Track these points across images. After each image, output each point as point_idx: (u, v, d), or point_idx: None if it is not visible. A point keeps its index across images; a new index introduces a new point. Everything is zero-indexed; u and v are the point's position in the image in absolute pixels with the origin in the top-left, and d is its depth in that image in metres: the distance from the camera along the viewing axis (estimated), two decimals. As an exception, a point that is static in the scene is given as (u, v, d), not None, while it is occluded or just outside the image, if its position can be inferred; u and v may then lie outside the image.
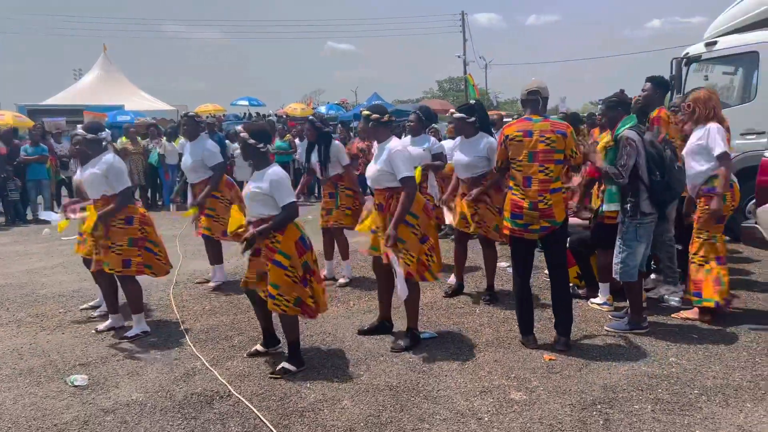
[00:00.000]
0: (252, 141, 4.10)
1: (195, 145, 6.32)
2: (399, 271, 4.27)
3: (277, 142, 13.19)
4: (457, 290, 5.89)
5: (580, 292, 5.73)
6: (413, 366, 4.20)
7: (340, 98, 44.11)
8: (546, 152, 4.30)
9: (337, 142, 6.44)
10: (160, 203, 13.59)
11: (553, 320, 4.52)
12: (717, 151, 4.67)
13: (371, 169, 4.50)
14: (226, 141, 12.91)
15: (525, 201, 4.34)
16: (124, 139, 12.96)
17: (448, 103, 24.14)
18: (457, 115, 5.49)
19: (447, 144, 7.02)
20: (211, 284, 6.47)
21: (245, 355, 4.47)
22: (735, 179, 4.85)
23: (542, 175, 4.31)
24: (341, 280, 6.45)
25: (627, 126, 4.58)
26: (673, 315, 5.05)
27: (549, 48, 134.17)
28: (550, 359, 4.23)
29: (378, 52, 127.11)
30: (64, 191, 12.97)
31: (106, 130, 5.18)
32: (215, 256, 6.56)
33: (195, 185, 6.37)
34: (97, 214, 4.82)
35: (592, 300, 5.48)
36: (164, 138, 12.93)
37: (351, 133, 14.66)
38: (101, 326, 5.18)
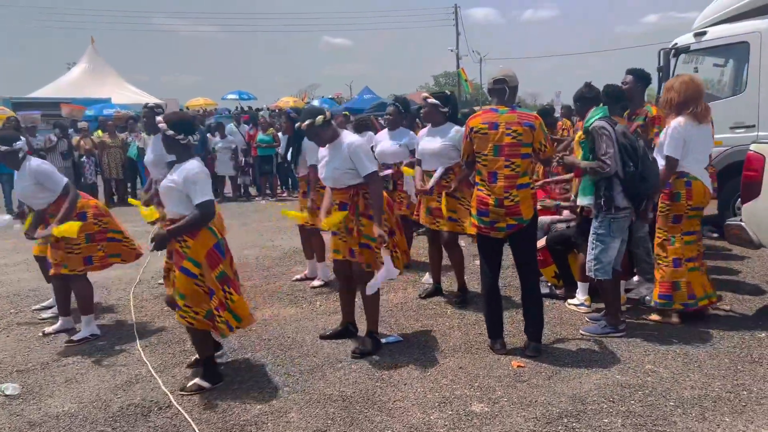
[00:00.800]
0: (170, 132, 3.69)
1: (157, 138, 5.99)
2: (385, 257, 4.06)
3: (260, 135, 12.89)
4: (433, 292, 5.56)
5: (558, 292, 5.46)
6: (372, 374, 3.92)
7: (335, 92, 43.91)
8: (512, 146, 4.01)
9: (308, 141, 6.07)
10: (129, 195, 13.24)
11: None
12: (664, 151, 4.48)
13: (327, 170, 4.19)
14: (208, 135, 12.62)
15: (490, 197, 4.06)
16: (100, 132, 12.65)
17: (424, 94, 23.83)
18: (432, 100, 5.18)
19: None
20: (315, 282, 6.13)
21: (185, 366, 4.13)
22: (699, 177, 4.54)
23: (508, 171, 4.03)
24: (315, 282, 6.09)
25: (597, 117, 4.34)
26: (646, 317, 4.79)
27: (545, 43, 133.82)
28: (518, 366, 3.96)
29: (373, 47, 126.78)
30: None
31: (22, 138, 4.76)
32: None
33: (160, 181, 6.02)
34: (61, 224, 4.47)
35: (570, 301, 5.21)
36: (143, 131, 12.59)
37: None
38: (50, 329, 4.89)
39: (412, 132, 6.44)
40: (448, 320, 4.91)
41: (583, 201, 4.66)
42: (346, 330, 4.59)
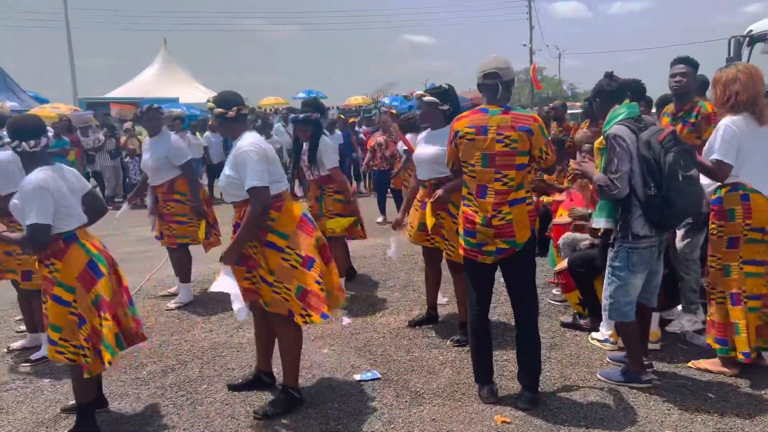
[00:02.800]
0: (7, 140, 3.23)
1: (157, 141, 5.62)
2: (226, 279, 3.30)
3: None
4: (425, 320, 4.84)
5: (582, 322, 4.66)
6: (326, 423, 3.33)
7: (409, 90, 43.43)
8: (504, 155, 3.29)
9: (326, 139, 5.50)
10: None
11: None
12: (713, 155, 3.58)
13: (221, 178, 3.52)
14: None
15: (478, 215, 3.36)
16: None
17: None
18: (428, 98, 4.40)
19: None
20: (172, 305, 5.58)
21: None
22: (759, 190, 3.62)
23: (499, 185, 3.31)
24: None
25: (618, 119, 3.48)
26: (690, 363, 3.91)
27: (636, 36, 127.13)
28: (503, 422, 3.25)
29: (454, 42, 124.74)
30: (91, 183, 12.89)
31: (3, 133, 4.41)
32: (183, 271, 5.76)
33: (156, 187, 5.66)
34: None
35: (593, 335, 4.41)
36: (188, 131, 12.53)
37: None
38: (15, 344, 4.61)
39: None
40: (443, 354, 4.23)
41: (598, 222, 3.86)
42: (258, 379, 3.78)
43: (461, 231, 3.51)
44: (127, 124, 13.02)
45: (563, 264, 4.77)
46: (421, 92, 4.55)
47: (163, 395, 3.75)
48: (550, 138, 7.91)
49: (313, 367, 4.10)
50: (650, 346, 4.06)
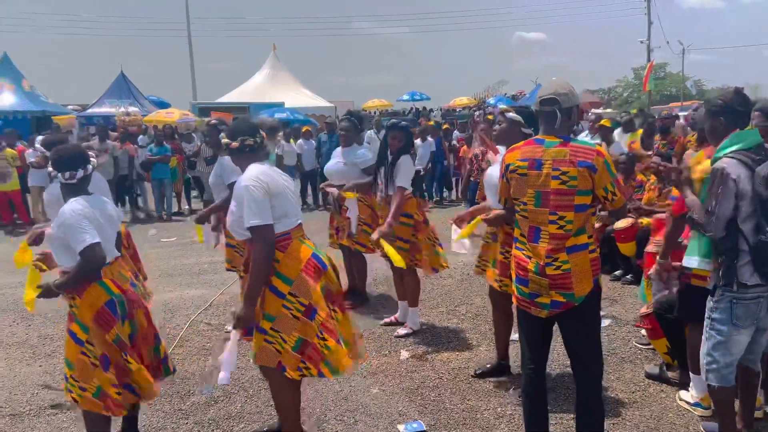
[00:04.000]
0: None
1: (220, 159, 5.59)
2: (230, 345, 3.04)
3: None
4: (495, 371, 4.25)
5: (670, 375, 4.05)
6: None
7: (517, 90, 42.16)
8: (561, 194, 2.84)
9: (408, 157, 5.07)
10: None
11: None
12: None
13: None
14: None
15: (530, 262, 2.92)
16: (247, 139, 12.99)
17: (592, 96, 21.08)
18: (510, 115, 3.88)
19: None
20: (401, 331, 5.13)
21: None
22: None
23: (555, 228, 2.85)
24: (401, 330, 5.09)
25: (731, 148, 2.92)
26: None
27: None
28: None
29: (568, 38, 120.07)
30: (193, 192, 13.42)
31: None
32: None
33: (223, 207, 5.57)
34: None
35: (682, 394, 3.80)
36: (281, 138, 12.70)
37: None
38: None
39: (363, 150, 5.62)
40: (501, 406, 3.79)
41: (690, 261, 3.28)
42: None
43: (513, 276, 3.09)
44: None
45: (648, 307, 4.18)
46: (506, 107, 4.10)
47: (199, 432, 3.63)
48: (653, 153, 7.21)
49: (358, 410, 3.82)
50: (757, 414, 3.42)
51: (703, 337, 3.11)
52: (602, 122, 8.26)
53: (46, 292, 3.12)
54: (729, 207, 2.80)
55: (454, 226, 4.43)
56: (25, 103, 18.85)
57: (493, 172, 3.89)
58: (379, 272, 6.59)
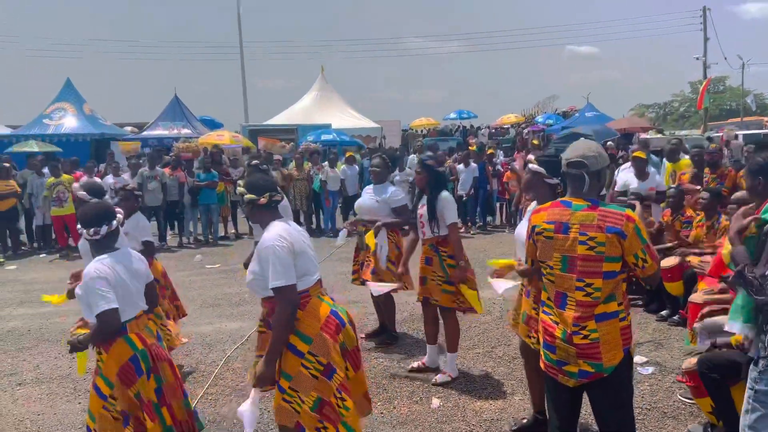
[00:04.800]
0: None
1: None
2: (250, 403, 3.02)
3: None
4: (531, 426, 4.06)
5: (716, 438, 3.83)
6: None
7: (569, 106, 41.37)
8: (589, 260, 2.73)
9: (447, 193, 4.96)
10: (313, 226, 13.47)
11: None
12: None
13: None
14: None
15: (557, 328, 2.82)
16: (293, 165, 13.17)
17: (641, 120, 20.27)
18: (533, 166, 3.76)
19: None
20: (438, 378, 4.93)
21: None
22: None
23: (581, 294, 2.75)
24: (439, 378, 4.90)
25: None
26: None
27: None
28: None
29: (622, 52, 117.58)
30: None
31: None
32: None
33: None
34: None
35: (727, 459, 3.58)
36: (326, 164, 12.83)
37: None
38: None
39: (395, 188, 5.72)
40: (532, 464, 3.68)
41: (732, 326, 3.09)
42: None
43: (540, 340, 2.98)
44: (276, 157, 13.64)
45: (692, 362, 3.97)
46: (531, 158, 3.96)
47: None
48: (702, 188, 6.90)
49: (385, 463, 3.77)
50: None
51: (743, 408, 2.92)
52: (636, 154, 7.67)
53: (74, 346, 3.21)
54: None
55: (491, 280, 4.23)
56: (86, 126, 19.73)
57: (522, 229, 3.75)
58: (407, 310, 6.53)
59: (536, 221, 2.92)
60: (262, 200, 3.14)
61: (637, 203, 3.07)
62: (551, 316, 2.87)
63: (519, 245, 3.85)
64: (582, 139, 3.06)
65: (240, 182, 3.34)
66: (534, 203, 3.80)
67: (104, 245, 3.22)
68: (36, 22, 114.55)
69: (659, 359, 5.24)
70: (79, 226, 3.28)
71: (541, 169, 3.72)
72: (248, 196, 3.17)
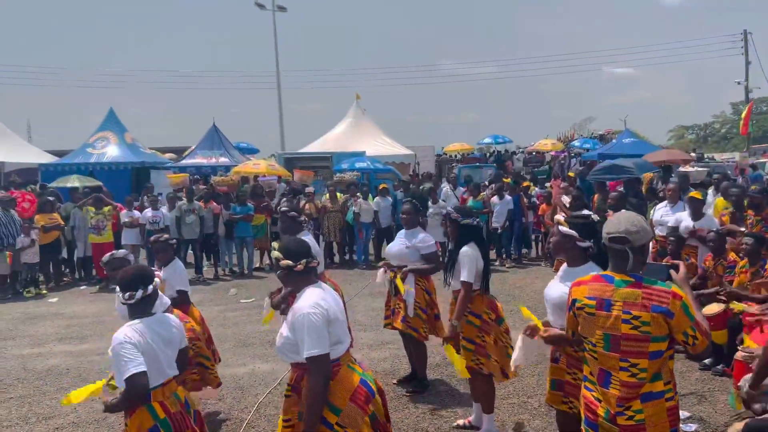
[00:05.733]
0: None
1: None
2: None
3: (470, 201, 12.14)
4: None
5: None
6: None
7: (605, 129, 40.83)
8: (633, 339, 2.66)
9: (469, 249, 4.71)
10: (347, 257, 13.49)
11: None
12: None
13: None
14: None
15: (600, 406, 2.74)
16: (326, 196, 13.27)
17: (680, 152, 19.60)
18: (563, 229, 3.61)
19: None
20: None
21: None
22: None
23: (626, 375, 2.68)
24: None
25: None
26: None
27: None
28: None
29: (658, 73, 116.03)
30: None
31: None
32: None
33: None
34: None
35: None
36: (360, 195, 12.89)
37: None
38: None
39: (425, 234, 5.66)
40: None
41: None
42: None
43: (582, 415, 2.90)
44: (309, 189, 13.77)
45: (738, 427, 3.82)
46: (561, 218, 3.75)
47: None
48: (744, 232, 6.63)
49: None
50: None
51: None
52: (692, 194, 7.15)
53: (108, 409, 3.23)
54: None
55: (521, 337, 3.97)
56: (127, 155, 20.23)
57: (553, 289, 3.67)
58: (441, 353, 6.44)
59: (577, 295, 2.86)
60: (299, 267, 3.14)
61: (682, 264, 2.94)
62: (593, 393, 2.79)
63: (548, 306, 3.74)
64: (623, 211, 2.99)
65: (275, 245, 3.35)
66: (565, 264, 3.71)
67: (140, 309, 3.25)
68: (80, 52, 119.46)
69: (702, 414, 5.06)
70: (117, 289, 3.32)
71: (573, 232, 3.59)
72: (284, 262, 3.17)
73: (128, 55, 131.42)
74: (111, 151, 20.22)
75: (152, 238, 5.39)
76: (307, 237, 5.02)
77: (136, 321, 3.20)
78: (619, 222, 2.81)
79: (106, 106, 22.20)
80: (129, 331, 3.13)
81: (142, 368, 3.04)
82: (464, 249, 4.74)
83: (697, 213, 7.05)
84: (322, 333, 2.94)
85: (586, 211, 5.05)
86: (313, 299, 3.03)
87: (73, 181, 14.25)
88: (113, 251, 5.00)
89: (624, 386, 2.68)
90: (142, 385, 3.04)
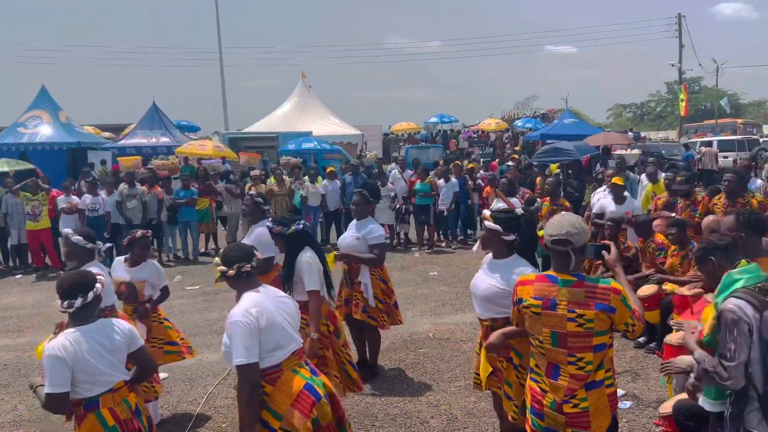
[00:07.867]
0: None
1: (256, 233, 5.70)
2: None
3: (418, 184, 12.26)
4: None
5: (691, 484, 3.91)
6: None
7: (548, 108, 41.67)
8: (579, 336, 2.81)
9: (303, 255, 4.51)
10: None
11: None
12: None
13: None
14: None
15: (546, 397, 2.89)
16: (272, 179, 13.13)
17: (619, 136, 20.33)
18: (488, 224, 3.70)
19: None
20: None
21: None
22: None
23: (574, 368, 2.84)
24: None
25: (737, 286, 2.84)
26: None
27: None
28: None
29: (597, 51, 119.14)
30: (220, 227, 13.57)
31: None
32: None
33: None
34: None
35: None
36: (306, 179, 12.81)
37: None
38: None
39: (374, 225, 5.69)
40: None
41: (704, 402, 3.19)
42: None
43: (528, 406, 3.04)
44: (254, 172, 13.59)
45: (668, 407, 4.06)
46: (486, 214, 3.83)
47: None
48: (673, 217, 7.00)
49: None
50: None
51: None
52: (614, 180, 7.93)
53: (34, 391, 3.20)
54: (747, 352, 2.72)
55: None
56: (62, 134, 19.38)
57: (480, 281, 3.76)
58: (389, 339, 6.56)
59: (522, 294, 2.98)
60: (231, 272, 3.17)
61: (612, 246, 3.09)
62: (540, 384, 2.94)
63: (476, 300, 3.82)
64: (563, 213, 3.11)
65: (219, 253, 3.35)
66: (490, 255, 3.83)
67: (80, 317, 3.10)
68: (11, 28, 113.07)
69: (636, 391, 5.33)
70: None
71: (497, 227, 3.68)
72: (219, 267, 3.22)
73: (62, 31, 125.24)
74: (44, 131, 19.33)
75: (126, 239, 5.05)
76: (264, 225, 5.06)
77: (72, 330, 3.06)
78: (561, 224, 2.92)
79: (38, 83, 21.16)
80: (61, 342, 2.99)
81: (63, 390, 2.94)
82: (301, 256, 4.47)
83: (618, 197, 7.51)
84: (250, 342, 2.94)
85: (515, 200, 5.22)
86: (244, 306, 3.05)
87: (2, 165, 13.49)
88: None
89: (572, 378, 2.83)
90: (59, 405, 2.98)
